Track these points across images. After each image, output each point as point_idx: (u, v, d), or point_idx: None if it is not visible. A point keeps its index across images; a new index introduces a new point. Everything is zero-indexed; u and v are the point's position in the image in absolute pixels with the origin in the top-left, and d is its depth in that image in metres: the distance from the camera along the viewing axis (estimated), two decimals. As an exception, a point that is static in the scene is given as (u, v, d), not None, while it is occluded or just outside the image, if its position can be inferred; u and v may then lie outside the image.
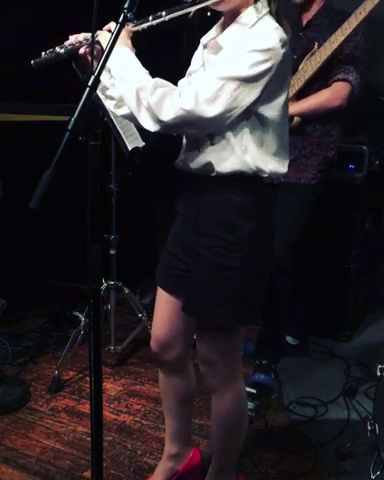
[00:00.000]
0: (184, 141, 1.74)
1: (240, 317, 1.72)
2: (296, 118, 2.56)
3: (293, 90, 2.56)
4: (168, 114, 1.52)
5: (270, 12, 1.59)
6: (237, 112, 1.54)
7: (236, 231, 1.65)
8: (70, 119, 1.30)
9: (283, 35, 1.54)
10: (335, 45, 2.49)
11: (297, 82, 2.57)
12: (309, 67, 2.55)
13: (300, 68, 2.57)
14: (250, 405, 2.44)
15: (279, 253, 2.55)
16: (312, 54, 2.55)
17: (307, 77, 2.55)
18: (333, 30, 2.52)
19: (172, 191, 1.81)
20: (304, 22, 2.68)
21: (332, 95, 2.58)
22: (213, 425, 1.93)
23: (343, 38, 2.47)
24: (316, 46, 2.55)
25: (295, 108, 2.55)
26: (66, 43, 1.73)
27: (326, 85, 2.59)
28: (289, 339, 3.08)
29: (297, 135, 2.59)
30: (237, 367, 1.84)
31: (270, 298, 2.65)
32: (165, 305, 1.88)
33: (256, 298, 1.76)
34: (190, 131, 1.61)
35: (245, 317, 1.74)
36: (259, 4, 1.58)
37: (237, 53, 1.51)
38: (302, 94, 2.59)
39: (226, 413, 1.85)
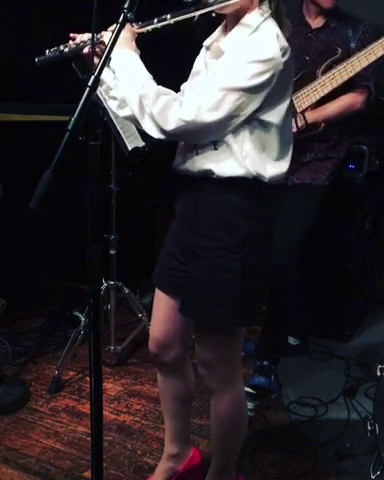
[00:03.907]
0: (181, 143, 1.74)
1: (240, 318, 1.71)
2: (322, 124, 2.58)
3: (317, 96, 2.56)
4: (170, 124, 1.53)
5: (271, 14, 1.59)
6: (238, 121, 1.55)
7: (236, 232, 1.64)
8: (70, 119, 1.30)
9: (284, 43, 1.55)
10: (373, 58, 2.48)
11: (321, 88, 2.56)
12: (338, 75, 2.53)
13: (326, 75, 2.54)
14: (250, 405, 2.45)
15: (289, 253, 2.56)
16: (338, 62, 2.54)
17: (335, 85, 2.55)
18: (344, 33, 2.54)
19: (171, 191, 1.81)
20: (314, 23, 2.68)
21: (353, 99, 2.62)
22: (213, 426, 1.92)
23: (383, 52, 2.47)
24: (339, 52, 2.55)
25: (319, 114, 2.58)
26: (71, 42, 1.74)
27: (346, 91, 2.61)
28: (289, 339, 3.08)
29: (318, 141, 2.62)
30: (236, 368, 1.84)
31: (274, 298, 2.67)
32: (163, 306, 1.88)
33: (256, 299, 1.76)
34: (193, 139, 1.63)
35: (245, 318, 1.74)
36: (264, 7, 1.58)
37: (238, 63, 1.52)
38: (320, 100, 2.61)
39: (225, 414, 1.85)
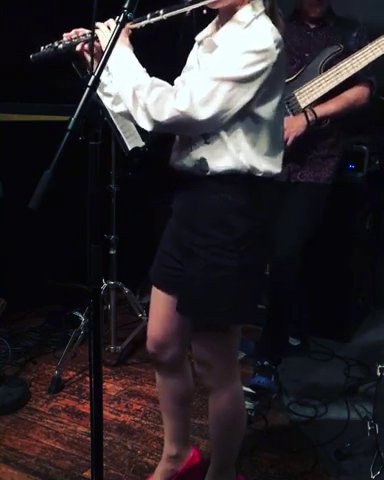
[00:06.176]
0: (177, 139, 1.74)
1: (236, 316, 1.72)
2: (328, 119, 2.58)
3: (322, 90, 2.56)
4: (163, 115, 1.53)
5: (265, 11, 1.59)
6: (231, 113, 1.55)
7: (232, 231, 1.64)
8: (70, 119, 1.30)
9: (278, 36, 1.55)
10: (380, 52, 2.48)
11: (327, 83, 2.56)
12: (344, 70, 2.54)
13: (331, 71, 2.54)
14: (250, 405, 2.45)
15: (291, 254, 2.56)
16: (341, 57, 2.54)
17: (341, 80, 2.55)
18: (343, 32, 2.56)
19: (170, 190, 1.81)
20: (311, 24, 2.68)
21: (358, 95, 2.63)
22: (211, 425, 1.92)
23: None
24: (342, 48, 2.56)
25: (328, 108, 2.57)
26: (65, 38, 1.73)
27: (349, 86, 2.61)
28: (290, 340, 3.08)
29: (320, 137, 2.62)
30: (233, 367, 1.84)
31: (275, 299, 2.67)
32: (160, 305, 1.88)
33: (252, 297, 1.76)
34: (185, 131, 1.63)
35: (242, 316, 1.74)
36: (256, 2, 1.59)
37: (232, 54, 1.52)
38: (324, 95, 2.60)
39: (223, 413, 1.85)
